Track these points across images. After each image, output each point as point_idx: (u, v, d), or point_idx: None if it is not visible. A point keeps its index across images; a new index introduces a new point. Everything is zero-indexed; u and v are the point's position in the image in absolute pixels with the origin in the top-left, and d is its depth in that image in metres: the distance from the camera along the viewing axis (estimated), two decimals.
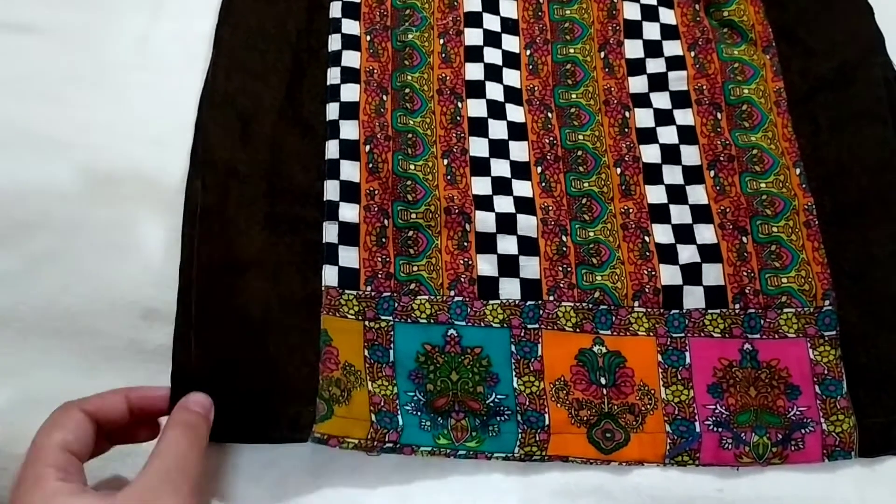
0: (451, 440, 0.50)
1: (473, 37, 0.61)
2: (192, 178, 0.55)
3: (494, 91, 0.59)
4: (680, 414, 0.52)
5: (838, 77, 0.60)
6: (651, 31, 0.62)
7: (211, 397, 0.48)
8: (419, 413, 0.51)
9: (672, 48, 0.61)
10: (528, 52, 0.62)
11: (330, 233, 0.54)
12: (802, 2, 0.62)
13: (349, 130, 0.57)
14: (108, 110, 0.59)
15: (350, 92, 0.58)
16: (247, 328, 0.51)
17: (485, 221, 0.55)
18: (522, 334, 0.53)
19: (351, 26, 0.61)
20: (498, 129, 0.58)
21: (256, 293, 0.52)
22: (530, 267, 0.54)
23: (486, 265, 0.54)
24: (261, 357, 0.51)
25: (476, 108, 0.59)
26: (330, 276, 0.53)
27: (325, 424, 0.49)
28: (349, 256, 0.54)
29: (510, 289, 0.54)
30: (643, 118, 0.59)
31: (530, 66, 0.61)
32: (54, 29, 0.61)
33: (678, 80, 0.60)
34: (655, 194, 0.57)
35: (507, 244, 0.55)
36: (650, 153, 0.58)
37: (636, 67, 0.61)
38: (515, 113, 0.59)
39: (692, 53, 0.61)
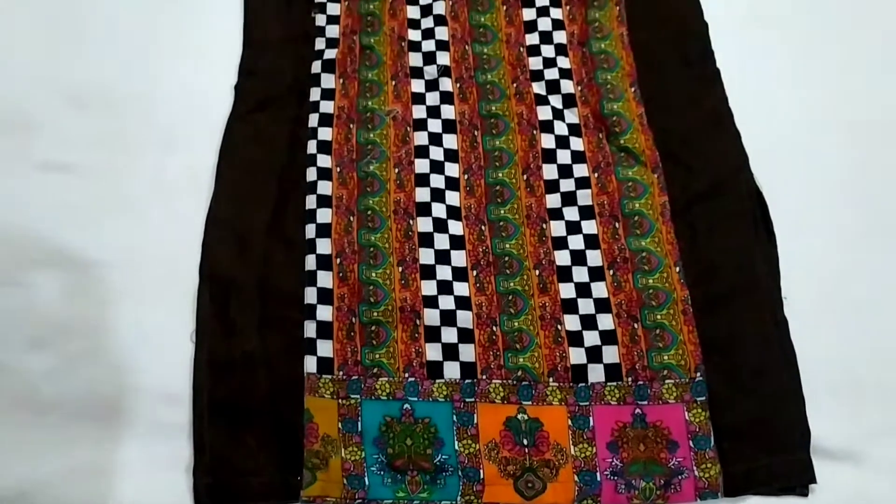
0: (407, 493, 0.64)
1: (422, 166, 0.77)
2: (201, 290, 0.71)
3: (439, 210, 0.75)
4: (585, 466, 0.66)
5: (712, 191, 0.76)
6: (564, 156, 0.78)
7: (223, 465, 0.63)
8: (382, 472, 0.65)
9: (580, 170, 0.77)
10: (466, 177, 0.77)
11: (309, 329, 0.69)
12: (683, 130, 0.79)
13: (323, 247, 0.72)
14: (130, 233, 0.74)
15: (324, 215, 0.73)
16: (248, 409, 0.66)
17: (432, 317, 0.70)
18: (462, 406, 0.67)
19: (324, 160, 0.76)
20: (442, 241, 0.74)
21: (253, 380, 0.67)
22: (467, 352, 0.69)
23: (433, 352, 0.69)
24: (260, 434, 0.65)
25: (424, 224, 0.74)
26: (310, 364, 0.68)
27: (310, 489, 0.63)
28: (325, 348, 0.68)
29: (452, 370, 0.68)
30: (557, 229, 0.74)
31: (468, 188, 0.77)
32: (87, 167, 0.76)
33: (584, 196, 0.76)
34: (567, 291, 0.72)
35: (449, 335, 0.70)
36: (562, 257, 0.73)
37: (552, 187, 0.76)
38: (456, 227, 0.74)
39: (596, 175, 0.76)
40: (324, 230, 0.73)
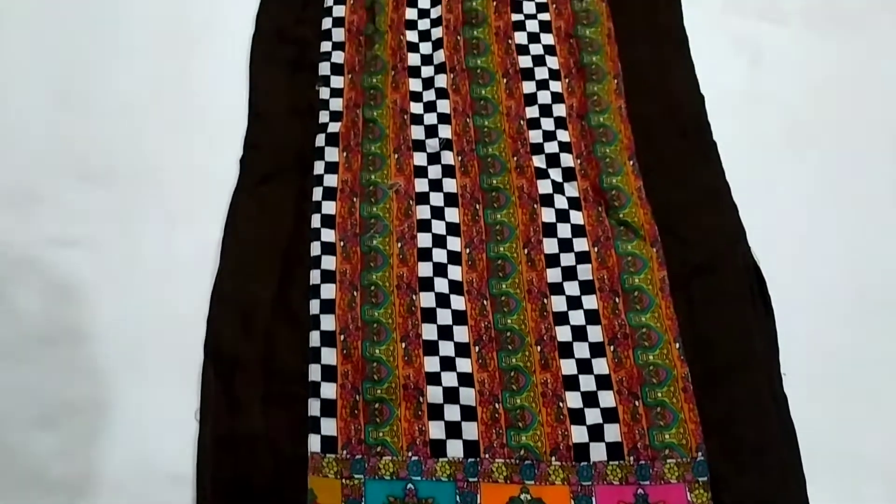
0: None
1: (424, 240, 0.78)
2: (206, 368, 0.71)
3: (441, 285, 0.76)
4: None
5: (709, 265, 0.77)
6: (564, 230, 0.79)
7: None
8: None
9: (580, 244, 0.78)
10: (468, 251, 0.78)
11: (313, 408, 0.69)
12: (681, 203, 0.80)
13: (327, 323, 0.73)
14: (136, 309, 0.75)
15: (328, 291, 0.74)
16: (252, 489, 0.66)
17: (435, 394, 0.71)
18: (465, 486, 0.68)
19: (328, 234, 0.77)
20: (444, 317, 0.74)
21: (257, 459, 0.67)
22: (470, 430, 0.70)
23: (436, 430, 0.70)
24: None
25: (427, 299, 0.75)
26: (314, 443, 0.68)
27: None
28: (329, 426, 0.69)
29: (455, 448, 0.69)
30: (558, 304, 0.75)
31: (469, 262, 0.78)
32: (92, 242, 0.77)
33: (585, 271, 0.77)
34: (568, 367, 0.73)
35: (452, 412, 0.70)
36: (564, 333, 0.74)
37: (552, 261, 0.77)
38: (458, 302, 0.75)
39: (595, 249, 0.78)
40: (328, 306, 0.74)
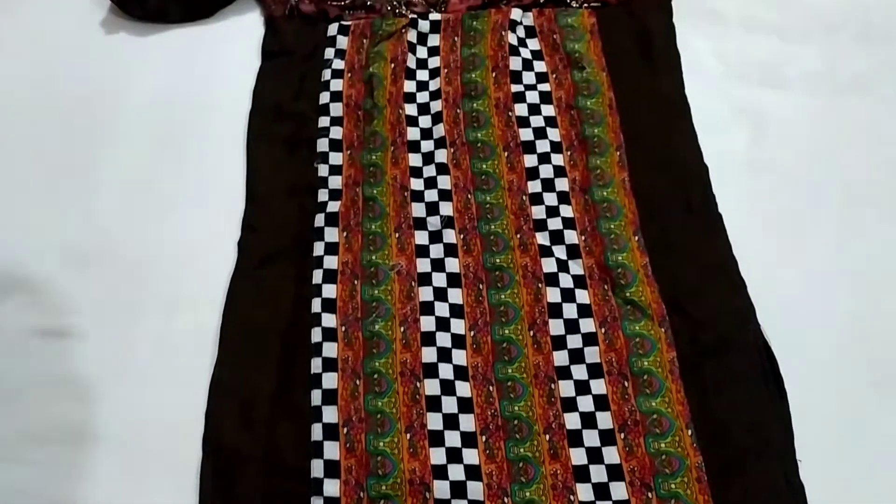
0: None
1: (428, 324, 0.76)
2: (205, 465, 0.69)
3: (446, 371, 0.74)
4: None
5: (720, 346, 0.75)
6: (570, 310, 0.77)
7: None
8: None
9: (587, 325, 0.76)
10: (472, 333, 0.76)
11: None
12: (688, 280, 0.78)
13: (330, 415, 0.71)
14: (131, 403, 0.73)
15: (329, 380, 0.72)
16: None
17: (442, 489, 0.68)
18: None
19: (329, 319, 0.76)
20: (450, 405, 0.72)
21: None
22: None
23: None
24: None
25: (431, 387, 0.73)
26: None
27: None
28: None
29: None
30: (566, 389, 0.73)
31: (474, 346, 0.76)
32: (86, 332, 0.76)
33: (592, 354, 0.75)
34: (578, 456, 0.70)
35: None
36: (572, 420, 0.72)
37: (559, 343, 0.76)
38: (463, 389, 0.73)
39: (602, 330, 0.76)
40: (330, 396, 0.72)
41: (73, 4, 0.96)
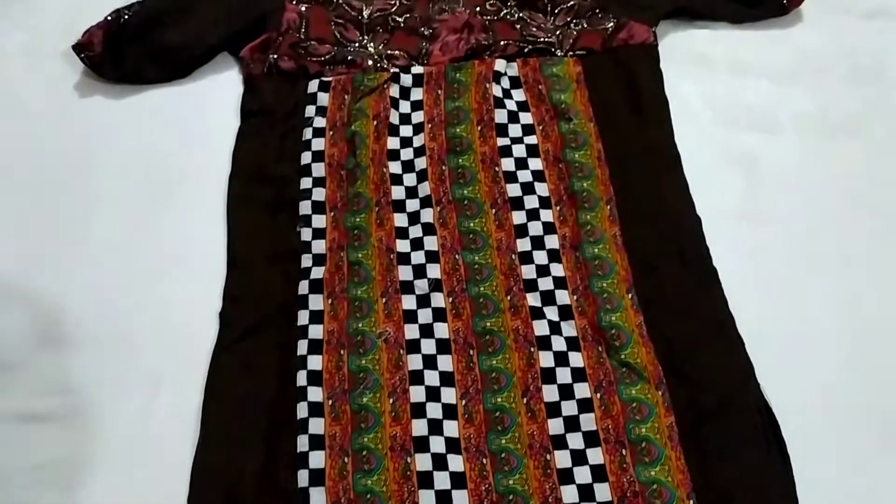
0: None
1: (417, 394, 0.74)
2: None
3: (437, 444, 0.71)
4: None
5: (720, 409, 0.72)
6: (563, 375, 0.75)
7: None
8: None
9: (581, 391, 0.74)
10: (464, 402, 0.74)
11: None
12: (685, 339, 0.76)
13: (317, 497, 0.68)
14: (112, 490, 0.70)
15: (316, 459, 0.70)
16: None
17: None
18: None
19: (315, 393, 0.73)
20: (442, 481, 0.70)
21: None
22: None
23: None
24: None
25: (423, 462, 0.70)
26: None
27: None
28: None
29: None
30: (562, 460, 0.71)
31: (466, 416, 0.73)
32: (64, 414, 0.73)
33: (588, 421, 0.72)
34: None
35: None
36: (570, 493, 0.69)
37: (553, 411, 0.73)
38: (456, 463, 0.71)
39: (598, 395, 0.73)
40: (317, 477, 0.69)
41: (46, 67, 0.94)
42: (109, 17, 0.91)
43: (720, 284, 0.79)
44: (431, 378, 0.75)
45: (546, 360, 0.76)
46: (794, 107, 0.92)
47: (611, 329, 0.76)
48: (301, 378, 0.74)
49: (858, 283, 0.80)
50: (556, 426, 0.73)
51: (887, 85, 0.94)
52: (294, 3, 0.97)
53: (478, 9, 0.97)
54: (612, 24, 0.94)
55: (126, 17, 0.93)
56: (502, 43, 0.94)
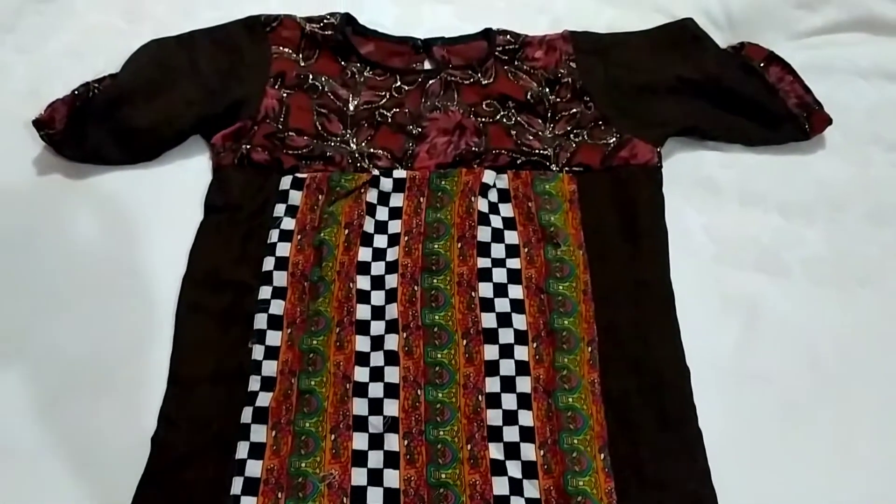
0: None
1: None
2: None
3: None
4: None
5: None
6: None
7: None
8: None
9: None
10: None
11: None
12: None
13: None
14: None
15: None
16: None
17: None
18: None
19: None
20: None
21: None
22: None
23: None
24: None
25: None
26: None
27: None
28: None
29: None
30: None
31: None
32: None
33: None
34: None
35: None
36: None
37: None
38: None
39: None
40: None
41: (5, 136, 0.88)
42: (77, 92, 0.85)
43: (704, 453, 0.71)
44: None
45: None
46: (806, 249, 0.84)
47: (577, 495, 0.69)
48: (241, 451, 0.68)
49: (857, 462, 0.72)
50: None
51: None
52: (276, 87, 0.90)
53: (473, 109, 0.90)
54: (614, 139, 0.87)
55: (95, 91, 0.86)
56: (494, 151, 0.87)
